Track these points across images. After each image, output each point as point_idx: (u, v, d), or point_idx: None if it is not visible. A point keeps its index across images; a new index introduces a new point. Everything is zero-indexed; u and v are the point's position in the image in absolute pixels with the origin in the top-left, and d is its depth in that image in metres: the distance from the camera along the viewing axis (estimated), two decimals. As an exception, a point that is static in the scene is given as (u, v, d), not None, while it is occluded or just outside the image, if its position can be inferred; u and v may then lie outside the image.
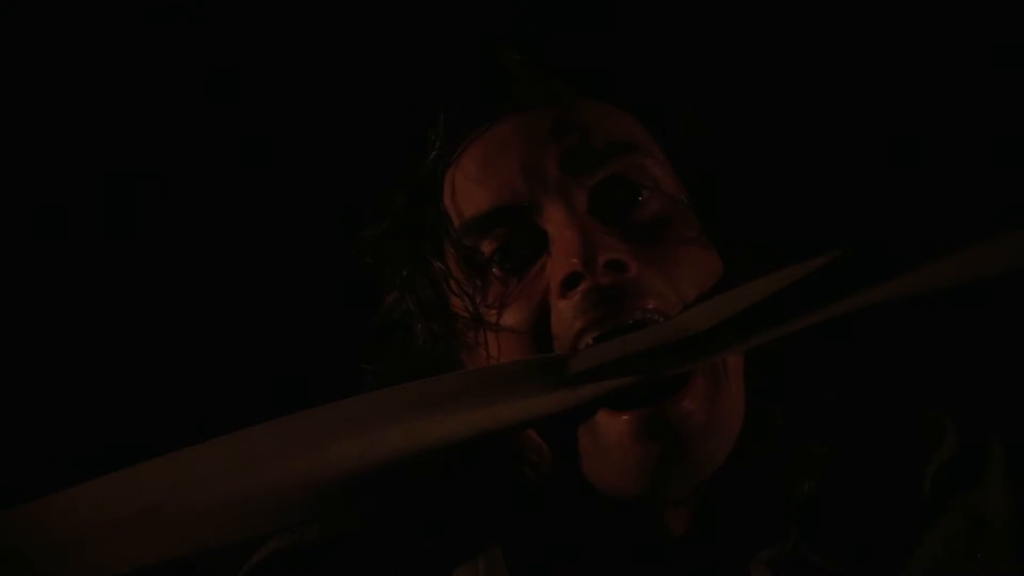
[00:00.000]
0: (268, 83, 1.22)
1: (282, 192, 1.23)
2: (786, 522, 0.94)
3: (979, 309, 1.12)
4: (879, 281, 0.86)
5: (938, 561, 0.93)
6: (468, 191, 0.95)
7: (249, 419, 0.86)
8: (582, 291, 0.88)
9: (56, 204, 1.23)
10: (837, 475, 0.96)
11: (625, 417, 0.86)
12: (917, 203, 1.18)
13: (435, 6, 1.20)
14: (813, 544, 0.93)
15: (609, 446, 0.88)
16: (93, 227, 1.25)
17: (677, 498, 0.92)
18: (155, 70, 1.22)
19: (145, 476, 0.85)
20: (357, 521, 0.96)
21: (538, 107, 0.96)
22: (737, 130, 1.04)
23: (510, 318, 0.92)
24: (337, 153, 1.20)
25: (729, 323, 0.86)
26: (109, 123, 1.23)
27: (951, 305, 1.02)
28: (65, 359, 1.23)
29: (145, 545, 0.84)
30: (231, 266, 1.25)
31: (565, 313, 0.89)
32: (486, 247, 0.94)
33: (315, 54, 1.22)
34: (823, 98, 1.21)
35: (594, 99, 0.98)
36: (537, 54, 1.00)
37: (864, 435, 1.00)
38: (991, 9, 1.19)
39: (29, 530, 0.83)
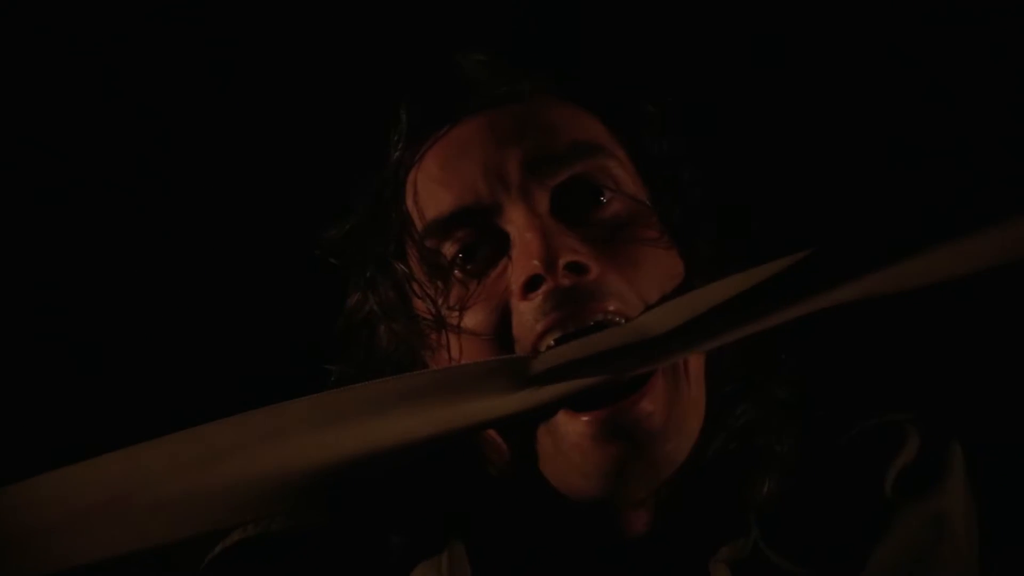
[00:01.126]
0: (234, 82, 1.22)
1: (244, 191, 1.22)
2: (746, 521, 0.95)
3: (942, 311, 1.13)
4: (840, 282, 0.87)
5: (899, 561, 0.94)
6: (430, 192, 0.95)
7: (214, 413, 0.86)
8: (543, 293, 0.88)
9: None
10: (799, 475, 0.97)
11: (585, 418, 0.87)
12: (881, 202, 1.18)
13: (397, 7, 1.20)
14: (773, 544, 0.94)
15: (569, 447, 0.88)
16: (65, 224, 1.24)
17: (637, 499, 0.92)
18: (115, 69, 1.22)
19: (109, 468, 0.85)
20: (320, 516, 0.97)
21: (500, 108, 0.96)
22: (699, 130, 1.04)
23: (471, 320, 0.92)
24: (300, 153, 1.20)
25: (689, 324, 0.86)
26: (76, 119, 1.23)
27: (914, 306, 1.03)
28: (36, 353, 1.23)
29: (107, 537, 0.84)
30: (195, 263, 1.24)
31: (526, 315, 0.89)
32: (448, 249, 0.94)
33: (277, 55, 1.21)
34: (786, 98, 1.21)
35: (557, 99, 0.98)
36: (499, 54, 1.00)
37: (826, 436, 1.01)
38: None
39: None
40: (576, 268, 0.88)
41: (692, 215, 0.99)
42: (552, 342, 0.88)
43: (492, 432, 0.93)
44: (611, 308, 0.88)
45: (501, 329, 0.91)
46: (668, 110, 1.02)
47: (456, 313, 0.92)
